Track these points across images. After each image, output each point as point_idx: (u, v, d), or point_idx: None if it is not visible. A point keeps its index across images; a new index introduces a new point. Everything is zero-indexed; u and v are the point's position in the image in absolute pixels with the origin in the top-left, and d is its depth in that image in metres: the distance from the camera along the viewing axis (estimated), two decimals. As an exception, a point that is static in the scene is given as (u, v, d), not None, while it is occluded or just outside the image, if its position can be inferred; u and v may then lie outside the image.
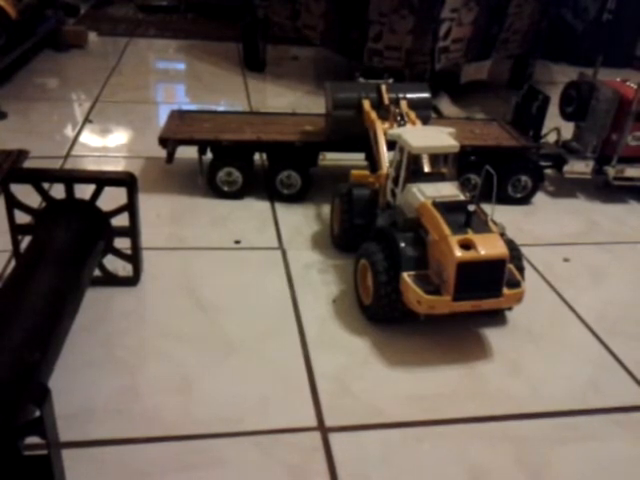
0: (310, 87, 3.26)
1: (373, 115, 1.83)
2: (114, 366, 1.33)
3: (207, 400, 1.27)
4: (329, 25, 2.95)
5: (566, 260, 1.87)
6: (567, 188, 2.34)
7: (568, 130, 2.33)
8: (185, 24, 4.42)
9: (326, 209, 2.02)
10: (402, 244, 1.42)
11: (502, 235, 1.40)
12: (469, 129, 2.29)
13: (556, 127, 2.28)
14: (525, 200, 2.19)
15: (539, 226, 2.07)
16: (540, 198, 2.24)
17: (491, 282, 1.36)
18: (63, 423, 0.98)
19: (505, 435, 1.25)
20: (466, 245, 1.33)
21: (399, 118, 1.79)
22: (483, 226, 1.40)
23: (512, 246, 1.47)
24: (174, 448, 1.16)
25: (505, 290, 1.37)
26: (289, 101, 3.00)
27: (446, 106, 3.05)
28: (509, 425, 1.27)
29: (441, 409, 1.29)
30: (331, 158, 2.15)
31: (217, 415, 1.23)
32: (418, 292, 1.35)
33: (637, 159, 2.21)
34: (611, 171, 2.20)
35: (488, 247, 1.33)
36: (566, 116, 2.29)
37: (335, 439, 1.21)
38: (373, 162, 1.81)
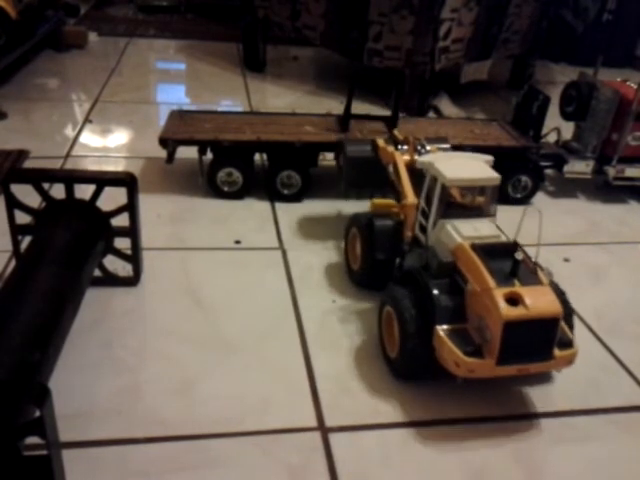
0: (310, 87, 3.26)
1: (390, 148, 1.67)
2: (114, 366, 1.33)
3: (207, 400, 1.27)
4: (329, 25, 2.95)
5: (566, 260, 1.87)
6: (567, 188, 2.34)
7: (568, 130, 2.33)
8: (185, 24, 4.42)
9: (326, 209, 2.02)
10: (436, 292, 1.25)
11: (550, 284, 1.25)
12: (469, 129, 2.29)
13: (556, 127, 2.28)
14: (525, 200, 2.19)
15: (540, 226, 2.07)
16: (540, 198, 2.24)
17: (541, 343, 1.20)
18: (63, 423, 0.98)
19: (505, 435, 1.25)
20: (512, 299, 1.16)
21: (419, 147, 1.62)
22: (532, 276, 1.22)
23: (562, 298, 1.29)
24: (174, 448, 1.16)
25: (556, 351, 1.21)
26: (289, 101, 3.00)
27: (446, 106, 3.05)
28: (509, 425, 1.27)
29: (441, 409, 1.29)
30: (331, 158, 2.15)
31: (217, 415, 1.23)
32: (456, 353, 1.18)
33: (637, 159, 2.21)
34: (611, 171, 2.20)
35: (539, 303, 1.17)
36: (566, 116, 2.29)
37: (335, 439, 1.20)
38: (397, 193, 1.64)
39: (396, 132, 1.81)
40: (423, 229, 1.44)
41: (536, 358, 1.20)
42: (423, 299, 1.27)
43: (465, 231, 1.32)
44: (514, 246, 1.27)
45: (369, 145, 1.77)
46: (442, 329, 1.22)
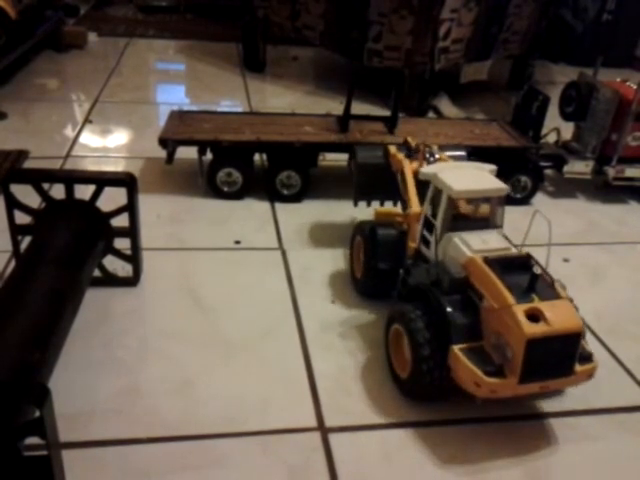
0: (310, 87, 3.26)
1: (400, 155, 1.63)
2: (114, 366, 1.33)
3: (207, 400, 1.27)
4: (329, 25, 2.95)
5: (566, 260, 1.87)
6: (567, 188, 2.34)
7: (568, 130, 2.34)
8: (184, 24, 4.43)
9: (326, 209, 2.02)
10: (450, 309, 1.20)
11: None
12: (469, 129, 2.29)
13: (556, 127, 2.29)
14: (525, 200, 2.19)
15: (539, 226, 2.06)
16: (540, 198, 2.24)
17: (563, 359, 1.16)
18: (63, 423, 0.98)
19: (505, 435, 1.25)
20: (533, 315, 1.12)
21: (428, 155, 1.58)
22: (550, 290, 1.18)
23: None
24: (174, 448, 1.16)
25: (577, 366, 1.18)
26: (289, 101, 3.01)
27: (446, 106, 3.05)
28: (509, 425, 1.27)
29: (440, 409, 1.29)
30: (331, 158, 2.15)
31: (217, 415, 1.23)
32: (477, 373, 1.13)
33: (637, 159, 2.21)
34: (611, 171, 2.20)
35: (560, 318, 1.13)
36: (566, 116, 2.30)
37: (335, 439, 1.20)
38: (403, 202, 1.61)
39: (409, 139, 1.75)
40: (426, 242, 1.39)
41: (558, 374, 1.17)
42: (436, 317, 1.22)
43: (474, 244, 1.27)
44: (528, 259, 1.23)
45: (381, 151, 1.72)
46: (458, 348, 1.17)
